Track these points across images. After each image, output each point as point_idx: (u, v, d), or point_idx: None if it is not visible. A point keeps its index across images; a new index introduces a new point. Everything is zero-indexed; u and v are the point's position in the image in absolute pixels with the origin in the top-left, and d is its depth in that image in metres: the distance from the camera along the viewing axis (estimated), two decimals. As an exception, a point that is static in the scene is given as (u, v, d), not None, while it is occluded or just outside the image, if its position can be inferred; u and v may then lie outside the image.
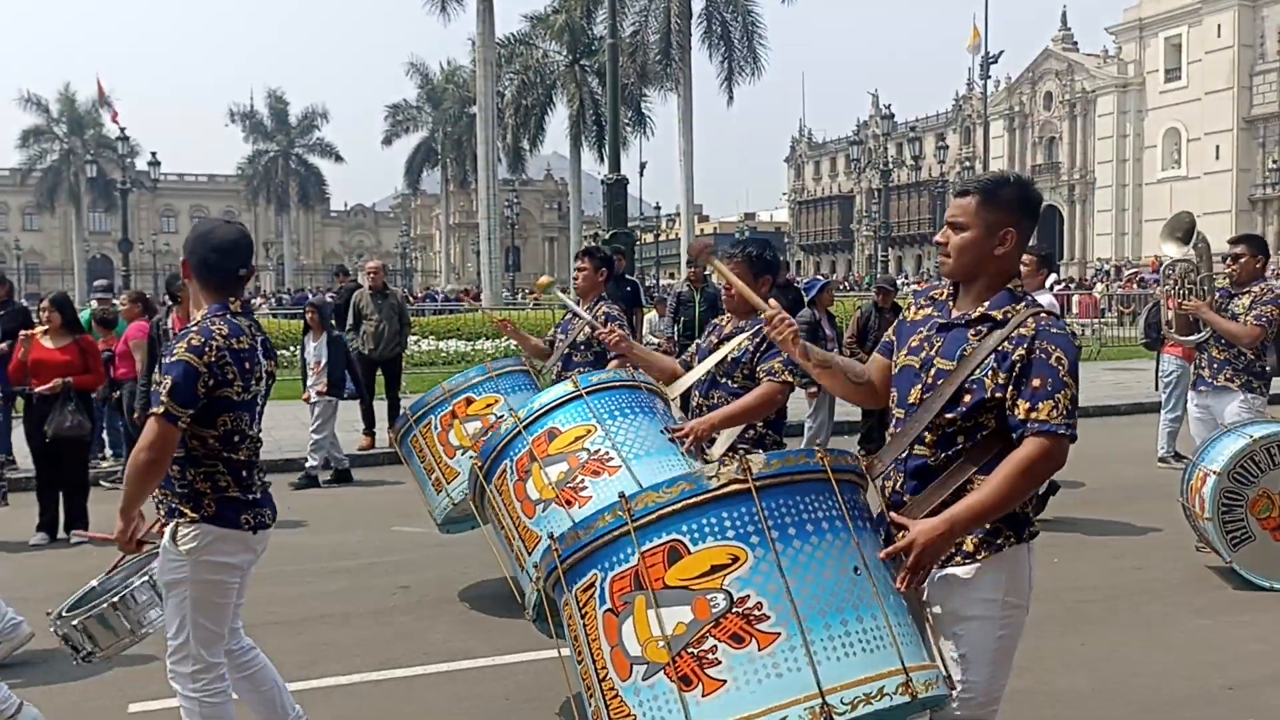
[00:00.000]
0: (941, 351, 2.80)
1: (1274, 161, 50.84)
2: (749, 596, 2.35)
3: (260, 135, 70.70)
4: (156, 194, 75.29)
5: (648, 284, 33.34)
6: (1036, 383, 2.64)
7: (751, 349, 4.18)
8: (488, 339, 22.08)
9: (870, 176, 64.78)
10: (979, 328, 2.77)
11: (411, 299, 36.18)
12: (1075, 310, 27.98)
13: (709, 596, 2.36)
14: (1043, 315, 2.72)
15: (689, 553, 2.41)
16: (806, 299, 10.49)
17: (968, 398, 2.71)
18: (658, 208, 74.11)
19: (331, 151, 71.05)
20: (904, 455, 2.81)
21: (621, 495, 2.50)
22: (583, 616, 2.51)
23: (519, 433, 3.80)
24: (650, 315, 16.27)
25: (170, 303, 8.26)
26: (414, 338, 19.68)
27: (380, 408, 11.37)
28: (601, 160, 38.37)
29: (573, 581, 2.54)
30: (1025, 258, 7.54)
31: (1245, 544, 5.94)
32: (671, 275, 53.94)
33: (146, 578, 3.83)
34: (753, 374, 4.17)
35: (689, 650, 2.34)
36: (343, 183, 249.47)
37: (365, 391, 11.22)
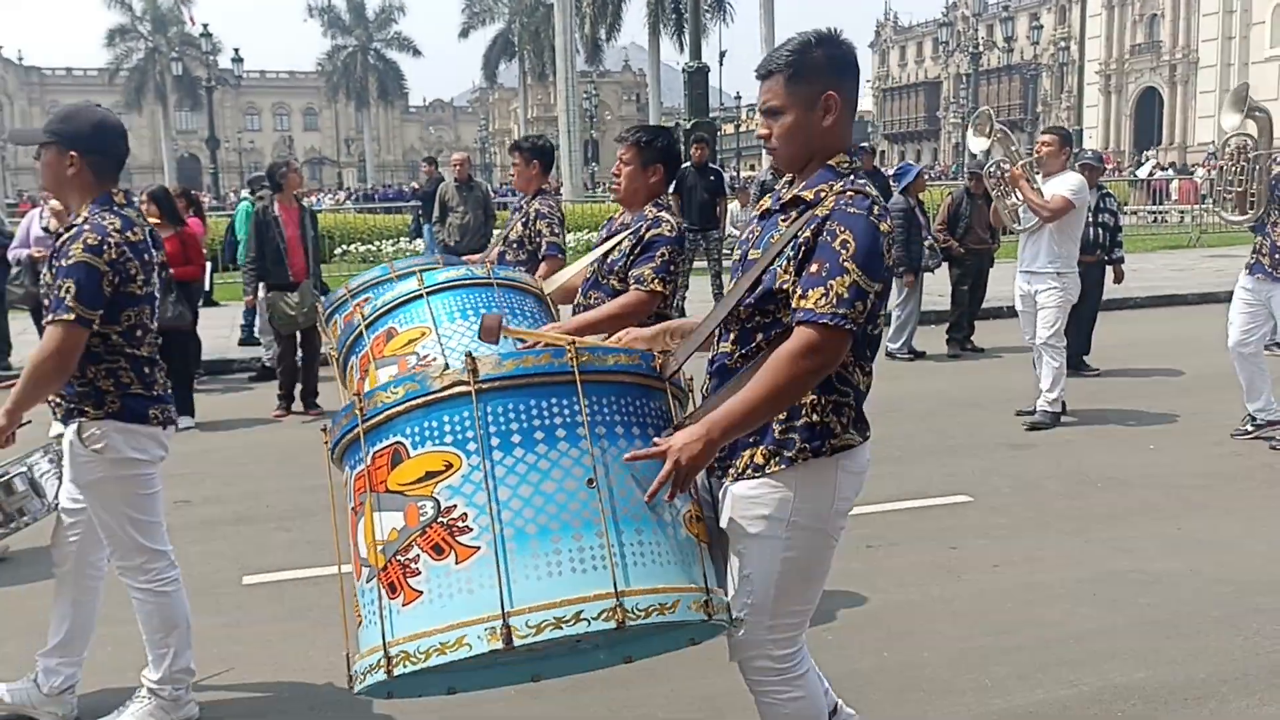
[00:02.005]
0: (756, 241, 2.58)
1: (1394, 36, 47.86)
2: (455, 506, 2.22)
3: (339, 30, 70.45)
4: (240, 92, 75.95)
5: (729, 174, 32.85)
6: (814, 268, 2.35)
7: (628, 251, 3.73)
8: (571, 231, 22.11)
9: (959, 61, 62.58)
10: (791, 211, 2.50)
11: (494, 192, 36.23)
12: (1175, 196, 26.96)
13: (419, 503, 2.25)
14: (848, 193, 2.41)
15: (408, 456, 2.30)
16: (898, 187, 10.28)
17: (760, 289, 2.46)
18: (738, 97, 72.53)
19: (409, 46, 70.62)
20: (714, 354, 2.59)
21: (357, 395, 2.40)
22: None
23: (360, 332, 3.46)
24: (733, 205, 16.11)
25: (273, 190, 8.37)
26: (499, 231, 19.80)
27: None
28: (681, 49, 37.63)
29: (342, 473, 2.51)
30: (1045, 137, 7.52)
31: None
32: (753, 166, 53.08)
33: (24, 469, 3.98)
34: (625, 278, 3.71)
35: (397, 558, 2.24)
36: (421, 78, 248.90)
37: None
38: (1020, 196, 7.26)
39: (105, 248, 3.18)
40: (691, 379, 2.63)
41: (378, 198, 39.34)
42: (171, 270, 7.63)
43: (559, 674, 2.73)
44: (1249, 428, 6.76)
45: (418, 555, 2.22)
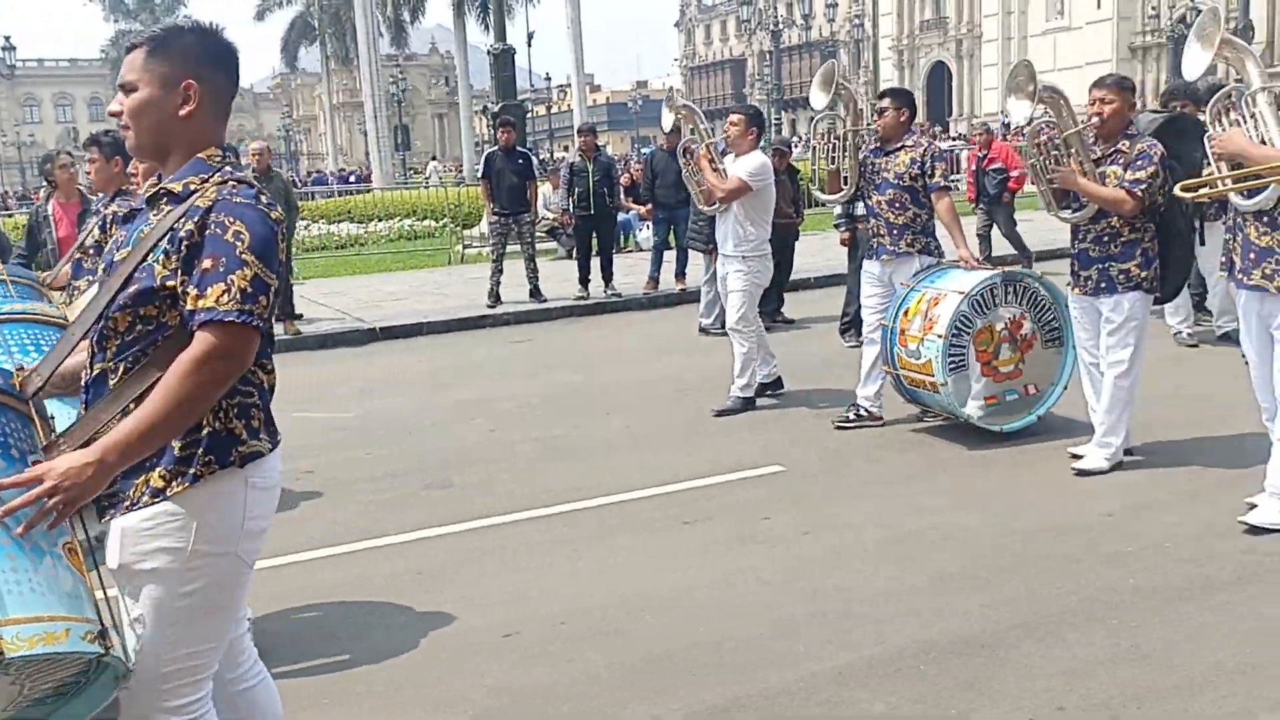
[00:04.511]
0: (123, 242, 2.34)
1: (1153, 9, 51.60)
2: None
3: (122, 14, 66.53)
4: (15, 82, 70.97)
5: (541, 157, 32.76)
6: (208, 263, 2.15)
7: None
8: (380, 220, 21.59)
9: (761, 38, 64.05)
10: (160, 205, 2.30)
11: (299, 183, 35.04)
12: (965, 167, 28.33)
13: None
14: (229, 183, 2.27)
15: None
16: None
17: (134, 287, 2.22)
18: (548, 79, 72.38)
19: (201, 30, 67.48)
20: (87, 370, 2.32)
21: None
22: None
23: None
24: (544, 188, 16.05)
25: (50, 187, 7.82)
26: (304, 222, 19.14)
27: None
28: (487, 30, 37.17)
29: None
30: (733, 116, 7.32)
31: (959, 370, 6.06)
32: (565, 147, 53.07)
33: None
34: None
35: None
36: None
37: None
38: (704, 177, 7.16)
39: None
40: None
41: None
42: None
43: None
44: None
45: None
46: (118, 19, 66.63)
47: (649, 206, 13.12)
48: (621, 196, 14.40)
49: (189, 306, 2.16)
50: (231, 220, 2.19)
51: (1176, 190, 4.97)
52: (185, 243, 2.18)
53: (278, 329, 10.94)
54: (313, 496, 5.98)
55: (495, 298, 12.09)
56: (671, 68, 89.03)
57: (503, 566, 4.79)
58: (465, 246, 17.73)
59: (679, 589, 4.42)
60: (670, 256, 12.41)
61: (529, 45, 53.12)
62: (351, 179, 39.75)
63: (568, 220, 13.33)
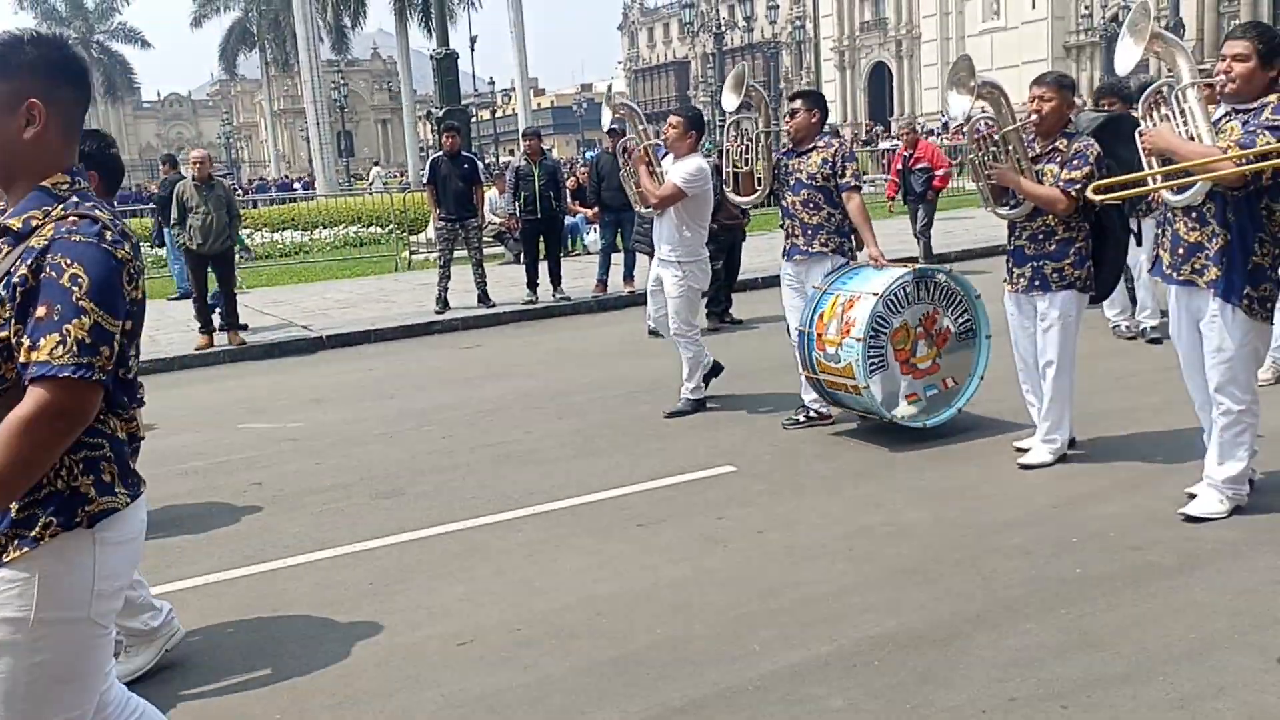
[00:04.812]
0: None
1: (1086, 8, 52.52)
2: None
3: (54, 21, 65.24)
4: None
5: (487, 161, 32.62)
6: (42, 311, 1.96)
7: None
8: (325, 227, 21.39)
9: (704, 41, 64.26)
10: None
11: (241, 190, 34.63)
12: (892, 164, 28.74)
13: None
14: (70, 218, 2.05)
15: None
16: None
17: None
18: (492, 83, 72.17)
19: (137, 37, 66.44)
20: None
21: None
22: None
23: None
24: (490, 193, 15.99)
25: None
26: (246, 230, 18.90)
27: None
28: (430, 35, 36.94)
29: None
30: (673, 119, 7.28)
31: (879, 371, 6.08)
32: (511, 151, 52.90)
33: None
34: None
35: None
36: (154, 71, 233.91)
37: (198, 289, 10.77)
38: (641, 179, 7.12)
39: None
40: None
41: (115, 200, 36.81)
42: None
43: None
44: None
45: None
46: (50, 26, 65.39)
47: (595, 210, 13.13)
48: (568, 200, 14.40)
49: (21, 359, 1.97)
50: (69, 262, 1.98)
51: (1089, 193, 4.95)
52: (20, 289, 2.00)
53: (222, 339, 10.80)
54: (261, 509, 5.90)
55: (443, 304, 12.02)
56: (616, 70, 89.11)
57: (456, 574, 4.76)
58: (412, 253, 17.62)
59: (635, 591, 4.42)
60: (618, 259, 12.42)
61: (472, 49, 52.91)
62: (296, 186, 39.36)
63: (514, 225, 13.30)
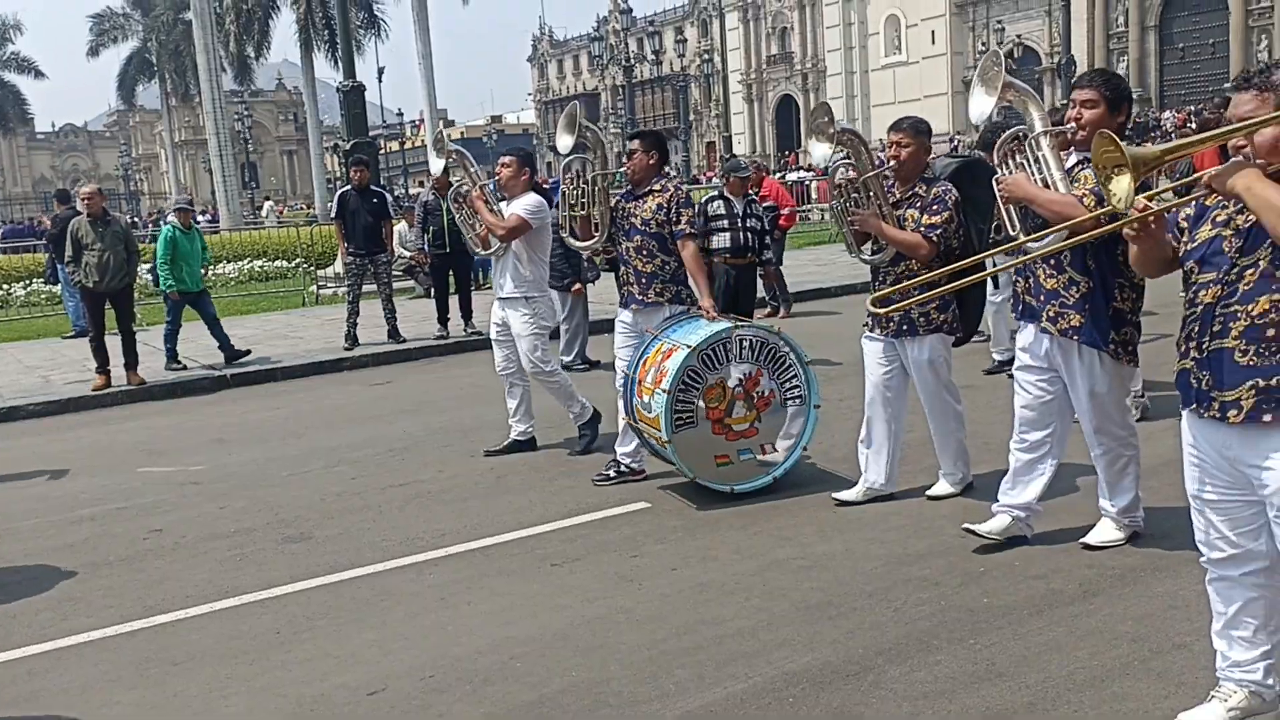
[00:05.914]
0: None
1: (983, 45, 54.16)
2: None
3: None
4: None
5: (396, 194, 32.28)
6: None
7: None
8: (229, 261, 20.94)
9: (613, 73, 64.81)
10: None
11: (138, 223, 33.73)
12: (815, 196, 29.26)
13: None
14: None
15: None
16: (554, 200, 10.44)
17: None
18: (400, 114, 71.64)
19: (30, 67, 64.52)
20: None
21: None
22: None
23: None
24: (400, 226, 15.82)
25: None
26: (145, 266, 18.38)
27: (114, 344, 10.59)
28: (336, 66, 36.60)
29: None
30: (504, 159, 7.17)
31: (686, 428, 5.83)
32: (420, 183, 52.55)
33: None
34: None
35: None
36: (48, 101, 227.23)
37: (95, 327, 10.44)
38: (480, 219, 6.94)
39: None
40: None
41: (5, 234, 35.55)
42: None
43: None
44: None
45: None
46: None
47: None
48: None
49: None
50: None
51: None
52: None
53: (120, 378, 10.47)
54: (162, 556, 5.72)
55: (352, 340, 11.84)
56: (526, 102, 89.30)
57: (366, 620, 4.66)
58: (319, 288, 17.35)
59: (551, 632, 4.38)
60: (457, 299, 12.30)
61: (379, 80, 52.62)
62: (200, 219, 38.43)
63: (424, 259, 13.16)
